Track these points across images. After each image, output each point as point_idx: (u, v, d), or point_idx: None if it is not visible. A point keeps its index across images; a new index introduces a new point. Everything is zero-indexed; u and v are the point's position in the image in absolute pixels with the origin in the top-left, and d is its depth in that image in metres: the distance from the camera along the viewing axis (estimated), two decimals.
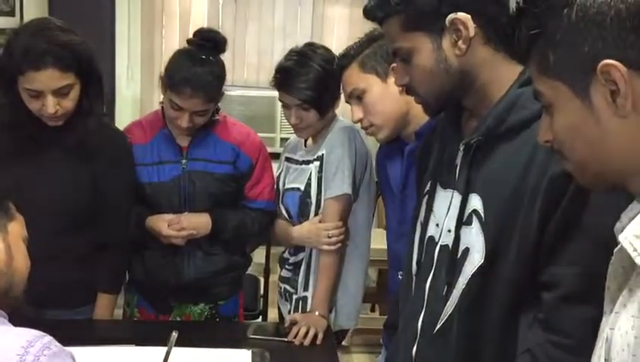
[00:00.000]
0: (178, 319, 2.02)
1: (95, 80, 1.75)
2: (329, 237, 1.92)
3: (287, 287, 2.08)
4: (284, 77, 1.91)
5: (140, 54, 4.49)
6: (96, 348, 1.63)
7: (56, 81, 1.63)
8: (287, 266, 2.10)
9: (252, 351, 1.65)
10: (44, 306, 1.84)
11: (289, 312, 2.04)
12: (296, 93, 1.88)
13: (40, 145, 1.76)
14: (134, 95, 4.48)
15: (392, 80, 1.63)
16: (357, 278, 2.07)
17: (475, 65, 1.09)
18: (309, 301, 2.00)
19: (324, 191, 1.95)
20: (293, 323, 1.87)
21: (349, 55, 1.69)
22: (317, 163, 1.97)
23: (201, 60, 1.83)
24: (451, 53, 1.08)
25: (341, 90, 1.79)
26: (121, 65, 4.48)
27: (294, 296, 2.04)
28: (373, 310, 3.79)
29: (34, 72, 1.60)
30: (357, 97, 1.67)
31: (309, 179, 1.97)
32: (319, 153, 1.97)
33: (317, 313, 1.91)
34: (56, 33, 1.64)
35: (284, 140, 4.95)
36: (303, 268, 2.03)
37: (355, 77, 1.67)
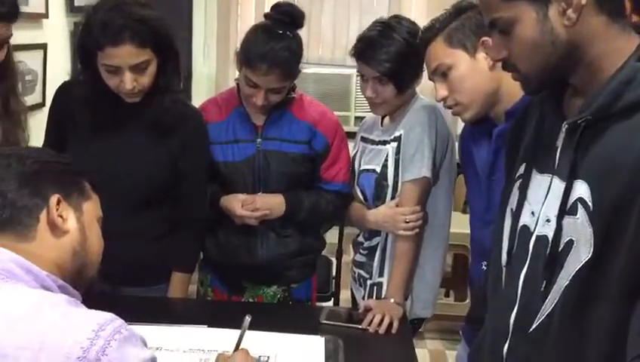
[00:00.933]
0: (250, 300, 1.99)
1: (172, 56, 1.73)
2: (406, 222, 1.83)
3: (361, 272, 2.01)
4: (365, 47, 1.82)
5: (216, 31, 4.49)
6: (168, 328, 1.62)
7: (134, 57, 1.61)
8: (361, 250, 2.03)
9: (325, 338, 1.59)
10: (119, 283, 1.85)
11: (363, 298, 1.97)
12: (375, 65, 1.79)
13: (118, 121, 1.76)
14: (210, 72, 4.50)
15: (480, 55, 1.51)
16: (435, 265, 1.98)
17: (586, 36, 0.97)
18: (384, 287, 1.92)
19: (402, 174, 1.86)
20: (368, 309, 1.80)
21: (434, 28, 1.58)
22: (394, 144, 1.88)
23: (278, 35, 1.77)
24: (559, 24, 0.97)
25: (424, 67, 1.68)
26: (198, 41, 4.50)
27: (368, 282, 1.97)
28: (447, 295, 3.68)
29: (112, 48, 1.59)
30: (442, 74, 1.56)
31: (386, 160, 1.89)
32: (397, 133, 1.88)
33: (392, 300, 1.84)
34: (133, 8, 1.62)
35: (358, 119, 4.88)
36: (378, 253, 1.95)
37: (440, 52, 1.55)
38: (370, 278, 1.96)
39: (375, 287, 1.95)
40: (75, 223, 1.10)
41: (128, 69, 1.62)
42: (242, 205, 1.83)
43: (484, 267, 1.52)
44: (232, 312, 1.79)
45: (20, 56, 2.99)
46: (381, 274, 1.94)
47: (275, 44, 1.75)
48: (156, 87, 1.71)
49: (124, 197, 1.76)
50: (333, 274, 3.08)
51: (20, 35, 3.00)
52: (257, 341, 1.51)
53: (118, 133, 1.76)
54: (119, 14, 1.59)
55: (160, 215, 1.84)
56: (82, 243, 1.10)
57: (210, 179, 1.90)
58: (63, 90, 1.83)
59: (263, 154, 1.88)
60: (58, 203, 1.07)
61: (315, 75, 4.66)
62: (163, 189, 1.81)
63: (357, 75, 4.54)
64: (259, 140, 1.88)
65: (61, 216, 1.07)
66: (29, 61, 3.04)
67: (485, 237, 1.46)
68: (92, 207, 1.15)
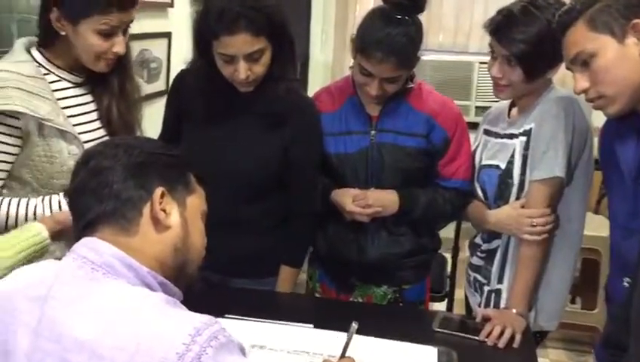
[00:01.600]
0: (359, 299, 1.90)
1: (287, 44, 1.67)
2: (533, 225, 1.66)
3: (478, 277, 1.86)
4: (502, 21, 1.65)
5: (334, 17, 4.41)
6: (274, 325, 1.56)
7: (249, 46, 1.57)
8: (478, 253, 1.87)
9: (438, 350, 1.47)
10: (228, 274, 1.84)
11: (479, 305, 1.82)
12: (507, 44, 1.63)
13: (231, 110, 1.72)
14: (326, 59, 4.43)
15: (630, 40, 1.31)
16: (563, 274, 1.79)
17: None
18: (503, 295, 1.76)
19: (530, 172, 1.68)
20: (486, 319, 1.66)
21: (575, 10, 1.38)
22: (523, 138, 1.70)
23: (396, 21, 1.64)
24: None
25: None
26: (316, 28, 4.45)
27: (486, 288, 1.81)
28: (573, 302, 3.40)
29: (228, 37, 1.55)
30: (582, 62, 1.37)
31: (512, 156, 1.72)
32: (527, 127, 1.70)
33: (514, 311, 1.67)
34: None
35: (479, 109, 4.63)
36: (498, 257, 1.79)
37: (581, 37, 1.36)
38: (488, 284, 1.80)
39: (493, 294, 1.79)
40: (178, 218, 1.05)
41: (243, 58, 1.58)
42: (353, 200, 1.73)
43: (626, 284, 1.33)
44: (339, 312, 1.72)
45: (145, 45, 3.09)
46: (500, 281, 1.78)
47: (392, 29, 1.62)
48: (270, 76, 1.66)
49: (235, 186, 1.73)
50: (448, 272, 2.92)
51: (145, 23, 3.09)
52: (364, 347, 1.42)
53: (230, 121, 1.73)
54: (235, 2, 1.54)
55: (271, 206, 1.79)
56: (184, 239, 1.05)
57: (322, 171, 1.82)
58: (179, 79, 1.82)
59: (377, 147, 1.77)
60: (162, 196, 1.03)
61: (434, 63, 4.46)
62: (274, 180, 1.76)
63: (479, 63, 4.35)
64: (373, 132, 1.78)
65: (164, 210, 1.03)
66: (154, 49, 3.12)
67: (629, 248, 1.29)
68: (196, 202, 1.11)
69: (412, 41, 1.65)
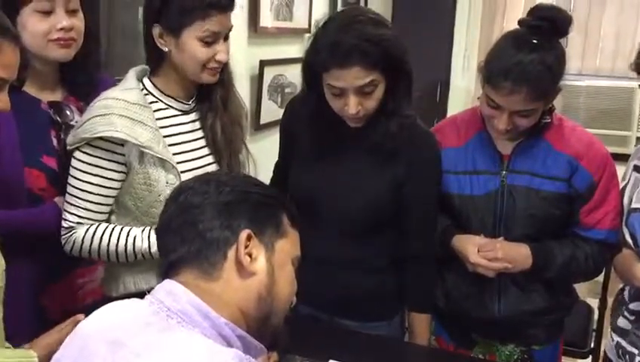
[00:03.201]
0: (480, 356, 1.71)
1: (403, 78, 1.53)
2: None
3: (624, 344, 1.59)
4: None
5: (478, 40, 4.21)
6: None
7: (360, 80, 1.45)
8: (627, 313, 1.60)
9: None
10: (334, 314, 1.73)
11: None
12: None
13: (339, 144, 1.62)
14: (468, 86, 4.23)
15: None
16: None
17: None
18: None
19: None
20: None
21: None
22: None
23: (530, 45, 1.45)
24: None
25: None
26: (458, 53, 4.27)
27: (638, 359, 1.54)
28: None
29: (339, 70, 1.45)
30: None
31: None
32: None
33: None
34: (366, 27, 1.45)
35: None
36: None
37: None
38: None
39: None
40: (265, 264, 0.96)
41: (353, 92, 1.47)
42: (479, 250, 1.54)
43: None
44: None
45: (280, 70, 3.12)
46: None
47: (525, 56, 1.43)
48: (383, 111, 1.53)
49: (341, 222, 1.63)
50: (594, 325, 2.58)
51: (282, 49, 3.13)
52: None
53: (339, 155, 1.63)
54: (350, 34, 1.43)
55: (380, 246, 1.66)
56: (269, 287, 0.96)
57: (442, 212, 1.66)
58: (291, 107, 1.75)
59: (509, 189, 1.57)
60: (249, 239, 0.95)
61: (590, 88, 4.09)
62: (383, 217, 1.62)
63: None
64: (504, 173, 1.58)
65: (250, 255, 0.95)
66: (288, 74, 3.14)
67: None
68: (287, 246, 1.01)
69: (549, 70, 1.44)
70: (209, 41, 1.47)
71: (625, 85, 4.09)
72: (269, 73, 3.07)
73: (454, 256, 1.62)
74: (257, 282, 0.95)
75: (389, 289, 1.68)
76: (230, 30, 1.54)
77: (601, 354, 2.55)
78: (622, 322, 1.62)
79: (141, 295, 0.97)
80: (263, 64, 2.95)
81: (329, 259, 1.66)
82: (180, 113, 1.58)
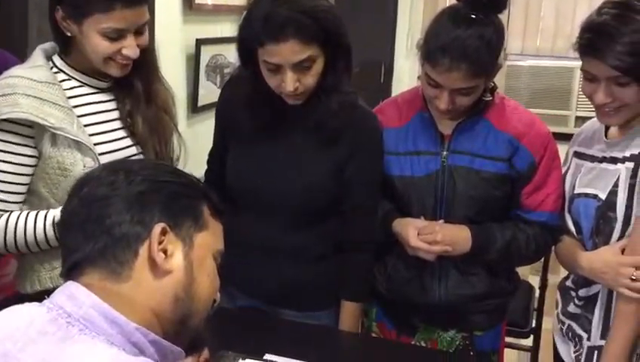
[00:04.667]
0: (422, 344, 1.66)
1: (342, 52, 1.46)
2: (633, 279, 1.37)
3: (574, 326, 1.56)
4: (595, 38, 1.36)
5: (421, 20, 4.17)
6: None
7: (297, 55, 1.37)
8: (575, 301, 1.57)
9: None
10: (276, 304, 1.66)
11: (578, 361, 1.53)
12: (611, 60, 1.33)
13: (278, 125, 1.54)
14: (412, 66, 4.19)
15: None
16: None
17: None
18: None
19: (637, 205, 1.38)
20: None
21: None
22: (630, 164, 1.41)
23: (468, 20, 1.39)
24: None
25: None
26: (402, 33, 4.22)
27: (586, 343, 1.51)
28: None
29: (274, 45, 1.37)
30: None
31: (616, 185, 1.42)
32: (635, 150, 1.40)
33: None
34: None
35: (580, 120, 4.24)
36: (599, 306, 1.49)
37: None
38: (589, 339, 1.50)
39: (596, 353, 1.49)
40: (182, 261, 0.87)
41: (290, 68, 1.39)
42: (419, 234, 1.49)
43: None
44: (400, 357, 1.49)
45: (218, 50, 2.99)
46: (604, 336, 1.47)
47: (463, 31, 1.37)
48: (322, 88, 1.46)
49: (282, 209, 1.55)
50: (535, 304, 2.59)
51: (219, 28, 3.00)
52: None
53: (278, 138, 1.55)
54: (284, 6, 1.35)
55: (324, 232, 1.59)
56: (187, 286, 0.87)
57: (383, 196, 1.60)
58: (227, 87, 1.66)
59: (449, 170, 1.52)
60: (163, 233, 0.86)
61: (531, 69, 4.12)
62: (326, 203, 1.56)
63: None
64: (444, 153, 1.53)
65: (165, 251, 0.86)
66: (228, 54, 3.02)
67: None
68: (208, 240, 0.92)
69: (488, 45, 1.39)
70: (112, 37, 1.35)
71: (565, 65, 4.14)
72: (207, 53, 2.94)
73: (395, 240, 1.56)
74: (173, 281, 0.86)
75: (332, 277, 1.62)
76: (144, 24, 1.41)
77: (542, 328, 2.59)
78: (572, 308, 1.59)
79: None
80: (200, 43, 2.82)
81: (269, 248, 1.58)
82: (96, 91, 1.46)
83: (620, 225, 1.41)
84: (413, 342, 1.67)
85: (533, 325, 2.52)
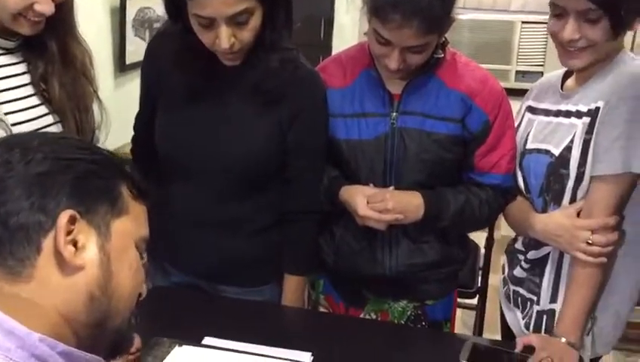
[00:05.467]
0: (372, 316, 1.58)
1: (281, 5, 1.31)
2: (589, 243, 1.31)
3: (522, 291, 1.51)
4: None
5: None
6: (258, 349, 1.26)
7: (231, 6, 1.22)
8: (523, 263, 1.52)
9: None
10: (216, 281, 1.55)
11: (526, 327, 1.48)
12: None
13: (213, 86, 1.40)
14: (354, 20, 4.04)
15: None
16: (627, 291, 1.44)
17: None
18: (558, 315, 1.42)
19: (593, 165, 1.31)
20: (526, 345, 1.33)
21: None
22: (586, 119, 1.33)
23: None
24: None
25: None
26: None
27: (535, 307, 1.46)
28: None
29: None
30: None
31: (571, 141, 1.35)
32: (592, 105, 1.32)
33: (563, 340, 1.34)
34: None
35: (520, 74, 4.23)
36: (549, 268, 1.44)
37: None
38: (538, 303, 1.46)
39: (545, 316, 1.44)
40: (96, 253, 0.73)
41: (225, 22, 1.24)
42: (368, 202, 1.39)
43: None
44: (347, 334, 1.41)
45: (146, 2, 2.77)
46: (554, 299, 1.43)
47: None
48: (261, 45, 1.32)
49: (218, 178, 1.43)
50: (481, 263, 2.56)
51: None
52: None
53: (214, 101, 1.40)
54: None
55: (266, 203, 1.48)
56: (104, 283, 0.74)
57: (328, 162, 1.49)
58: (154, 42, 1.49)
59: (399, 133, 1.42)
60: (72, 222, 0.71)
61: (472, 23, 4.05)
62: (268, 171, 1.44)
63: (522, 22, 3.94)
64: (394, 114, 1.42)
65: (74, 243, 0.72)
66: (157, 8, 2.80)
67: None
68: (128, 226, 0.78)
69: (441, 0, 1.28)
70: None
71: (506, 19, 4.08)
72: (133, 5, 2.72)
73: (343, 209, 1.46)
74: (87, 278, 0.72)
75: (275, 250, 1.51)
76: None
77: (489, 290, 2.57)
78: (518, 272, 1.54)
79: None
80: None
81: (206, 220, 1.46)
82: (2, 52, 1.27)
83: (572, 183, 1.35)
84: (362, 315, 1.59)
85: (479, 285, 2.50)
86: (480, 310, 2.58)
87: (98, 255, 0.73)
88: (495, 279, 2.83)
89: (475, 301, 2.64)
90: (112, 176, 0.78)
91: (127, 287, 0.77)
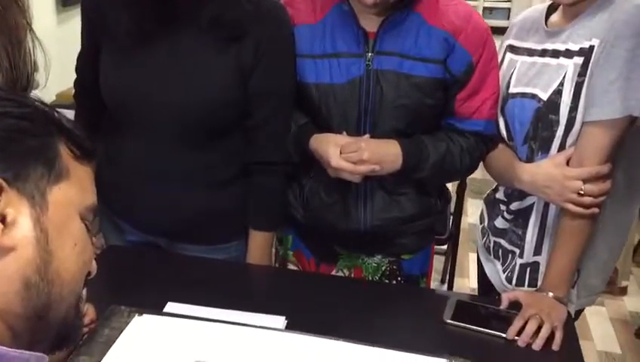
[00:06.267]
0: (345, 272, 1.49)
1: None
2: (580, 193, 1.23)
3: (503, 243, 1.44)
4: None
5: None
6: (229, 325, 1.15)
7: None
8: (505, 215, 1.44)
9: None
10: (173, 238, 1.43)
11: (508, 281, 1.41)
12: None
13: (165, 23, 1.24)
14: None
15: None
16: (615, 240, 1.38)
17: None
18: (542, 268, 1.35)
19: (587, 109, 1.21)
20: (512, 301, 1.26)
21: None
22: (579, 59, 1.22)
23: None
24: None
25: None
26: None
27: (518, 261, 1.39)
28: None
29: None
30: None
31: (561, 84, 1.24)
32: (585, 43, 1.21)
33: (551, 295, 1.27)
34: None
35: (488, 11, 4.10)
36: (533, 219, 1.36)
37: None
38: (521, 256, 1.38)
39: (528, 269, 1.37)
40: (31, 229, 0.60)
41: None
42: (341, 152, 1.27)
43: None
44: (321, 291, 1.31)
45: None
46: (538, 252, 1.36)
47: None
48: None
49: (173, 127, 1.29)
50: (452, 209, 2.48)
51: None
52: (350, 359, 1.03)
53: (166, 38, 1.25)
54: None
55: (225, 153, 1.35)
56: (42, 266, 0.61)
57: (296, 108, 1.36)
58: None
59: (375, 75, 1.28)
60: None
61: None
62: (229, 118, 1.31)
63: None
64: (369, 55, 1.29)
65: (3, 219, 0.58)
66: None
67: None
68: (70, 194, 0.65)
69: None
70: None
71: None
72: None
73: (313, 159, 1.34)
74: (20, 261, 0.59)
75: (239, 205, 1.39)
76: None
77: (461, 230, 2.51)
78: (500, 222, 1.46)
79: None
80: None
81: (162, 173, 1.32)
82: None
83: (562, 130, 1.25)
84: (334, 271, 1.49)
85: (452, 229, 2.45)
86: (451, 257, 2.54)
87: (33, 231, 0.60)
88: (465, 223, 2.78)
89: (444, 247, 2.60)
90: (46, 132, 0.64)
91: (71, 269, 0.64)
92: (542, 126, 1.28)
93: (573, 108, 1.23)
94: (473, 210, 3.05)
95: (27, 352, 0.59)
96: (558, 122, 1.26)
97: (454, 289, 2.53)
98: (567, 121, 1.24)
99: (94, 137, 0.76)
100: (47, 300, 0.62)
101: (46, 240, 0.61)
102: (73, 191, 0.65)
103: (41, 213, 0.61)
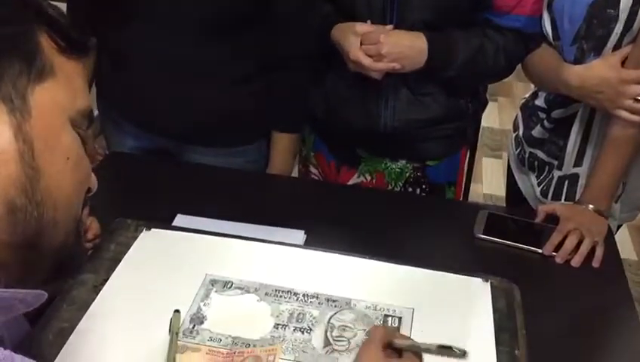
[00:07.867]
0: (366, 178, 1.39)
1: None
2: (637, 99, 1.09)
3: (540, 155, 1.33)
4: None
5: None
6: (230, 226, 1.06)
7: None
8: (545, 123, 1.31)
9: (491, 283, 0.98)
10: (185, 141, 1.32)
11: (543, 194, 1.31)
12: None
13: None
14: None
15: None
16: None
17: None
18: (582, 182, 1.24)
19: None
20: (549, 214, 1.16)
21: None
22: None
23: None
24: None
25: None
26: None
27: (556, 173, 1.29)
28: None
29: None
30: None
31: None
32: None
33: (591, 207, 1.17)
34: None
35: None
36: (576, 128, 1.24)
37: None
38: (560, 168, 1.27)
39: (567, 182, 1.27)
40: (11, 142, 0.49)
41: None
42: (361, 43, 1.13)
43: None
44: (342, 202, 1.22)
45: None
46: (579, 164, 1.25)
47: None
48: None
49: (187, 17, 1.15)
50: None
51: None
52: (374, 279, 0.95)
53: None
54: None
55: (244, 46, 1.21)
56: (28, 186, 0.50)
57: None
58: None
59: None
60: None
61: None
62: (248, 6, 1.16)
63: None
64: None
65: None
66: None
67: None
68: (57, 95, 0.53)
69: None
70: None
71: None
72: None
73: (335, 51, 1.21)
74: (1, 180, 0.49)
75: (260, 103, 1.28)
76: None
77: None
78: (537, 132, 1.34)
79: None
80: None
81: (173, 66, 1.19)
82: None
83: (621, 27, 1.11)
84: (356, 175, 1.40)
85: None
86: (469, 164, 2.43)
87: (14, 143, 0.49)
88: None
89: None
90: (22, 19, 0.52)
91: (64, 188, 0.53)
92: (597, 23, 1.13)
93: (637, 2, 1.08)
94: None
95: (22, 291, 0.49)
96: (617, 18, 1.11)
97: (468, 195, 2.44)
98: (629, 15, 1.09)
99: (88, 30, 0.63)
100: (37, 226, 0.51)
101: (31, 154, 0.50)
102: (61, 91, 0.53)
103: (22, 119, 0.50)
